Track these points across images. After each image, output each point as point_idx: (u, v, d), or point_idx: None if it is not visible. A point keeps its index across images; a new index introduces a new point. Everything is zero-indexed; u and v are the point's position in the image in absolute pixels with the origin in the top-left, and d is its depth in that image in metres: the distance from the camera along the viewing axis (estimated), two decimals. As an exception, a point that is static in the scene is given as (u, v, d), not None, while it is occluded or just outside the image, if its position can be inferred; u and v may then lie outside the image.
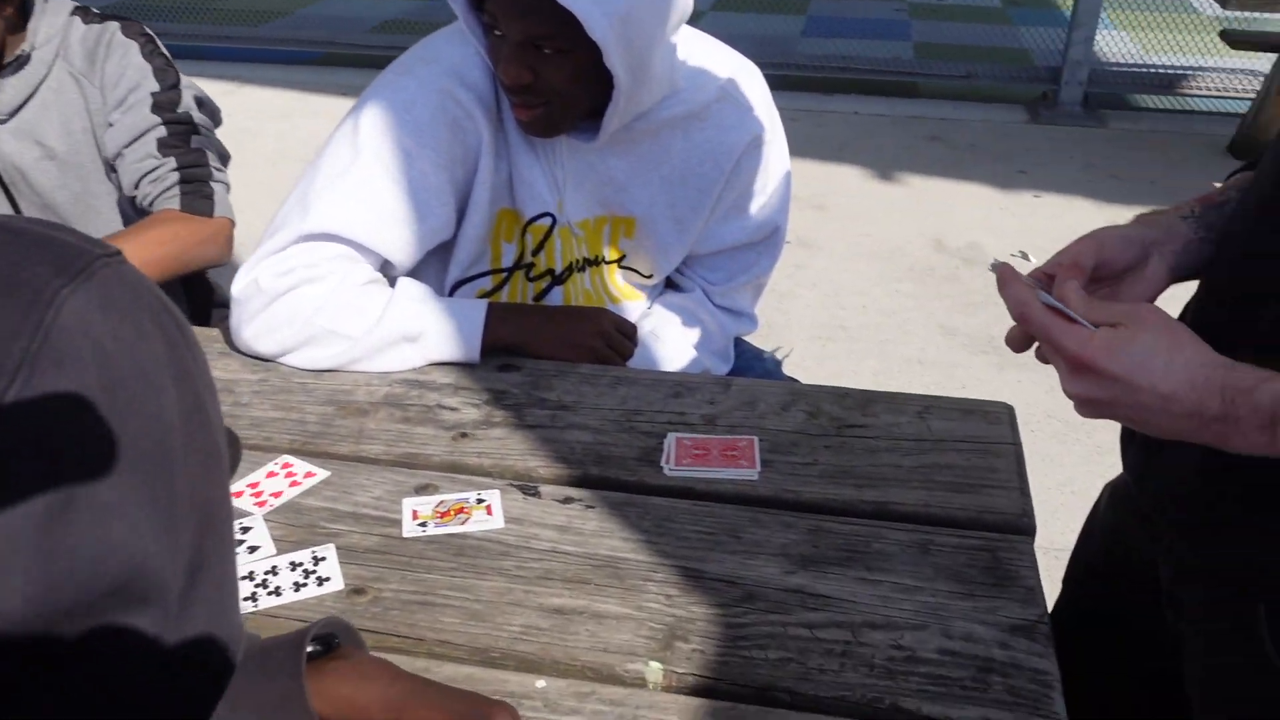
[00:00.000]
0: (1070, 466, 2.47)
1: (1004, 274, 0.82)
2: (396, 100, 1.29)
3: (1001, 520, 1.04)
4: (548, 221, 1.38)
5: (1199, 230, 0.91)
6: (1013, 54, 5.57)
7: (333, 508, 1.06)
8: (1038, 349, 0.84)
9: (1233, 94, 4.79)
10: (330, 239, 1.27)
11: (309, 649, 0.68)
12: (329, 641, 0.73)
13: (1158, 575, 0.99)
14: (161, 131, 1.59)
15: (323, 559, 0.99)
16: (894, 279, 3.36)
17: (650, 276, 1.50)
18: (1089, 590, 1.16)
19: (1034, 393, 2.65)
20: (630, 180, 1.39)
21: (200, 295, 1.83)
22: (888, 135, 4.58)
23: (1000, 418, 1.20)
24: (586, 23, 1.13)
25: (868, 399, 1.24)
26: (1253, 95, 4.34)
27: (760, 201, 1.47)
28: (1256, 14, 5.05)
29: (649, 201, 1.41)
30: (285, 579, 0.96)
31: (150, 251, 1.50)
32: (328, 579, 0.96)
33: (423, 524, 1.04)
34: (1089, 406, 0.78)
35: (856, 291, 3.28)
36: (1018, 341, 0.86)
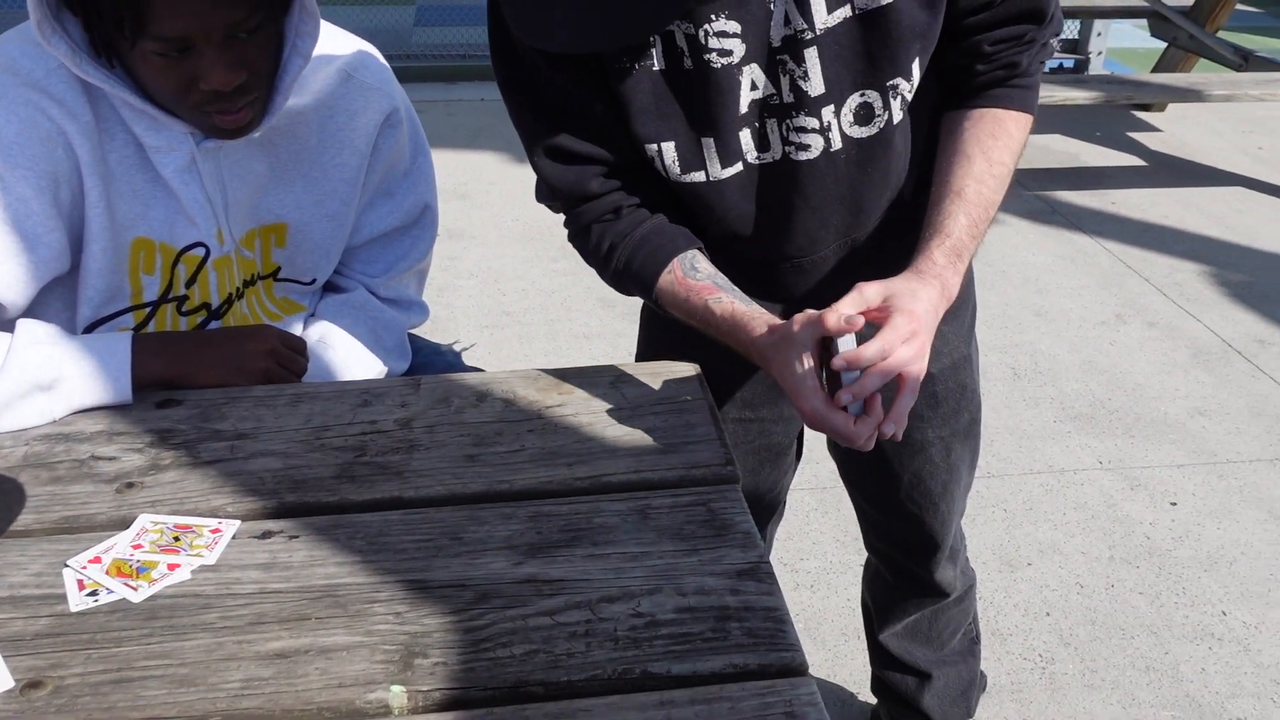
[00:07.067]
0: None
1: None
2: None
3: (708, 474, 1.07)
4: (200, 253, 1.25)
5: None
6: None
7: (-19, 596, 0.91)
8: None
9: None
10: None
11: None
12: None
13: None
14: None
15: (-20, 658, 0.84)
16: (549, 259, 3.40)
17: (312, 282, 1.40)
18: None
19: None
20: (274, 183, 1.29)
21: None
22: (518, 119, 4.62)
23: (688, 377, 1.24)
24: None
25: (560, 377, 1.24)
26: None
27: (405, 180, 1.42)
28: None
29: (296, 203, 1.31)
30: (-65, 691, 0.81)
31: None
32: (-9, 679, 0.82)
33: (93, 593, 0.92)
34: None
35: (515, 276, 3.29)
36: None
